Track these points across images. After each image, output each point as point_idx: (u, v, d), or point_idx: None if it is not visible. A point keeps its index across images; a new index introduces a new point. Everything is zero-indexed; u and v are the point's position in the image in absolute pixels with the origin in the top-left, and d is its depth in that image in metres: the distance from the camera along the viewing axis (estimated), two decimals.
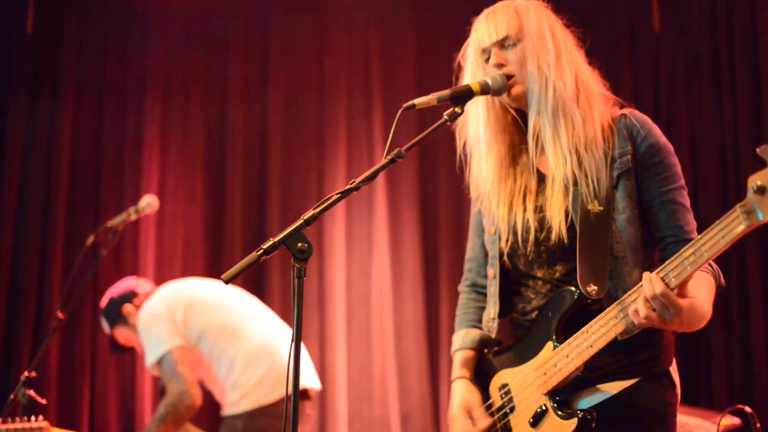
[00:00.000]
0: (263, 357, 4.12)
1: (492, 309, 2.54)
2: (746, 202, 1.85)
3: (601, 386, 2.29)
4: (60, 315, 3.85)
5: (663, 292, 2.02)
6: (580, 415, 2.24)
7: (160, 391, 4.27)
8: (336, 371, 5.66)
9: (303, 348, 4.44)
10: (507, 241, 2.45)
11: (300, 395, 4.10)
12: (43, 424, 3.71)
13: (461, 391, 2.55)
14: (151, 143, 5.91)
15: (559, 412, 2.28)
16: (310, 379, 4.30)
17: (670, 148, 2.38)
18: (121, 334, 4.44)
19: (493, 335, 2.54)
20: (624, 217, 2.32)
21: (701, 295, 2.18)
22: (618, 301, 2.17)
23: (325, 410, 5.59)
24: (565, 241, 2.34)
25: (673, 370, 2.37)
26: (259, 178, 5.98)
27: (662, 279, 2.03)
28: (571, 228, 2.33)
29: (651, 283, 2.04)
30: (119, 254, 5.71)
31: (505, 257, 2.48)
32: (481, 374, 2.56)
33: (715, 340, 5.52)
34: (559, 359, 2.28)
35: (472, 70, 2.47)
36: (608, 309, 2.19)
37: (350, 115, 6.04)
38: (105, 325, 4.47)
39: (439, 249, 5.92)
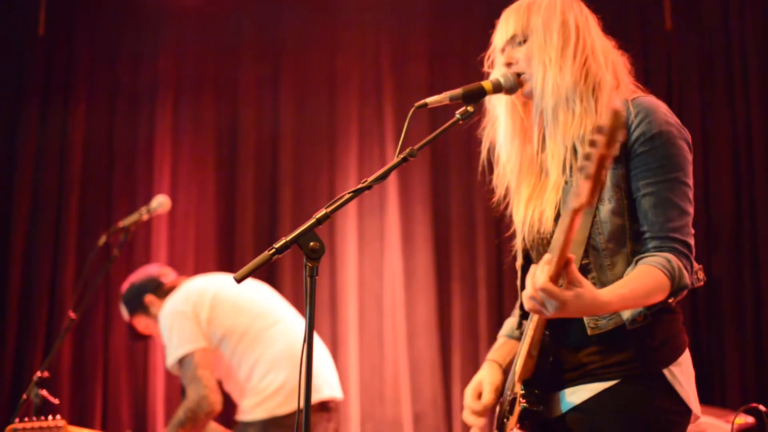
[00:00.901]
0: (284, 364, 4.04)
1: (519, 300, 2.56)
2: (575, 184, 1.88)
3: (576, 388, 2.26)
4: (72, 315, 3.85)
5: (543, 286, 1.97)
6: (523, 406, 2.26)
7: (180, 391, 4.25)
8: (348, 371, 5.65)
9: (326, 354, 4.40)
10: (523, 235, 2.44)
11: (320, 407, 4.11)
12: (61, 423, 3.70)
13: (482, 370, 2.59)
14: (162, 144, 5.93)
15: (522, 401, 2.29)
16: (331, 389, 4.23)
17: (671, 137, 2.23)
18: (141, 323, 4.38)
19: (517, 325, 2.57)
20: (609, 207, 2.25)
21: (622, 284, 2.12)
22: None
23: (337, 410, 5.59)
24: (551, 232, 2.31)
25: (671, 372, 2.24)
26: (271, 178, 5.99)
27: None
28: (556, 221, 2.30)
29: (536, 276, 1.99)
30: (131, 254, 5.72)
31: (521, 252, 2.48)
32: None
33: (729, 338, 5.51)
34: (522, 347, 2.31)
35: (497, 72, 2.45)
36: None
37: (361, 114, 6.04)
38: (124, 312, 4.41)
39: (452, 248, 5.91)
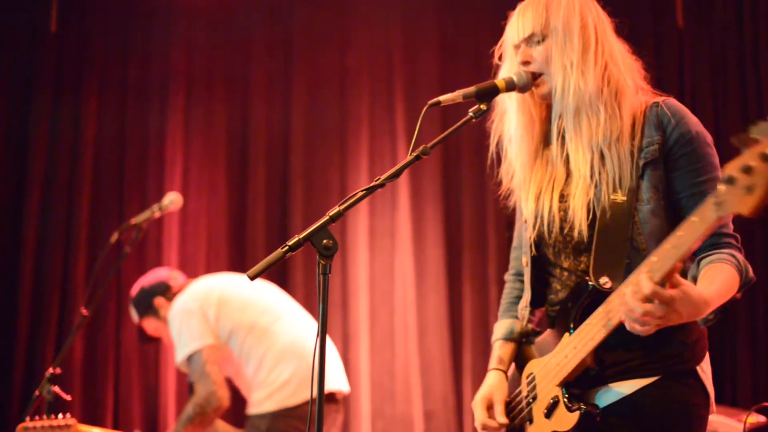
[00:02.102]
0: (292, 357, 4.09)
1: (525, 297, 2.54)
2: (717, 193, 1.80)
3: (617, 384, 2.26)
4: (84, 312, 3.88)
5: (653, 290, 1.96)
6: (583, 410, 2.23)
7: (189, 388, 4.27)
8: (359, 369, 5.66)
9: (333, 349, 4.45)
10: (535, 229, 2.43)
11: (327, 398, 4.13)
12: (71, 421, 3.73)
13: (490, 382, 2.56)
14: (174, 140, 5.93)
15: (567, 404, 2.27)
16: (338, 382, 4.26)
17: (706, 138, 2.29)
18: (151, 325, 4.42)
19: (524, 323, 2.54)
20: (648, 208, 2.26)
21: (708, 284, 2.14)
22: (615, 292, 2.14)
23: (348, 408, 5.59)
24: (585, 234, 2.30)
25: (702, 370, 2.30)
26: (282, 175, 5.99)
27: (650, 277, 1.98)
28: (592, 222, 2.30)
29: (640, 284, 1.99)
30: (143, 251, 5.73)
31: (533, 246, 2.46)
32: (519, 364, 2.57)
33: (740, 338, 5.49)
34: (569, 351, 2.27)
35: (507, 66, 2.45)
36: (607, 300, 2.16)
37: (372, 111, 6.04)
38: (134, 315, 4.46)
39: (463, 245, 5.91)
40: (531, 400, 2.42)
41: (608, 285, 2.23)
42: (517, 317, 2.64)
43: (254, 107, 6.04)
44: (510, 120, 2.51)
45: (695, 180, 2.25)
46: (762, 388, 5.37)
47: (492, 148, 2.59)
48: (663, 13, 5.96)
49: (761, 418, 3.96)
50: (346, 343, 5.71)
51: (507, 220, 2.55)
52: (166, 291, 4.36)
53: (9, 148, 5.85)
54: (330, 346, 4.43)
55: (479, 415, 2.52)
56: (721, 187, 1.79)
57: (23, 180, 5.81)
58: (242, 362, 4.17)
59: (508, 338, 2.63)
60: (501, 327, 2.67)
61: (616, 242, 2.26)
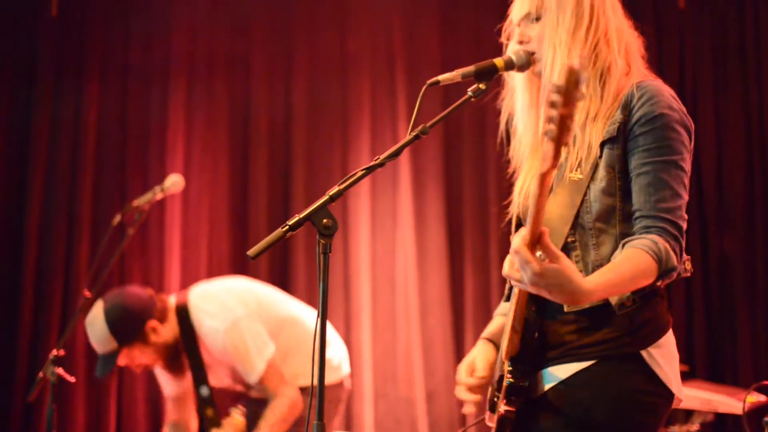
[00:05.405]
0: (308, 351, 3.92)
1: None
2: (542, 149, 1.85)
3: (556, 368, 2.24)
4: (87, 294, 3.87)
5: (519, 248, 1.94)
6: (509, 381, 2.23)
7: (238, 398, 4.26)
8: (361, 350, 5.68)
9: (338, 338, 4.46)
10: (517, 207, 2.44)
11: (338, 385, 4.13)
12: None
13: (477, 348, 2.56)
14: (175, 124, 5.93)
15: (508, 377, 2.25)
16: (346, 367, 4.30)
17: (672, 120, 2.20)
18: (132, 354, 3.96)
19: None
20: (600, 186, 2.22)
21: (604, 270, 2.09)
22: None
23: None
24: None
25: (649, 354, 2.20)
26: (284, 157, 6.00)
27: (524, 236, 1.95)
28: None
29: (516, 239, 1.96)
30: (145, 233, 5.74)
31: (514, 221, 2.47)
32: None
33: (740, 316, 5.51)
34: (507, 322, 2.27)
35: (512, 45, 2.43)
36: None
37: (374, 93, 6.04)
38: (108, 343, 3.90)
39: (464, 226, 5.92)
40: (503, 373, 2.42)
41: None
42: None
43: (256, 89, 6.04)
44: (518, 99, 2.50)
45: (646, 159, 2.18)
46: (762, 367, 5.40)
47: (502, 126, 2.58)
48: None
49: (761, 397, 3.98)
50: (348, 324, 5.73)
51: (509, 200, 2.56)
52: (155, 311, 3.97)
53: (11, 133, 5.86)
54: (335, 336, 4.42)
55: (460, 377, 2.50)
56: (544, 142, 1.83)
57: (26, 164, 5.82)
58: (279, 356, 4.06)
59: (503, 313, 2.63)
60: (502, 304, 2.68)
61: (562, 219, 2.24)
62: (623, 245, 2.15)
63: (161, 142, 5.91)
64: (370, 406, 5.63)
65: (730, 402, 3.98)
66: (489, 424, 2.46)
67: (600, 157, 2.24)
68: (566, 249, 2.21)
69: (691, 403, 4.00)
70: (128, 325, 3.89)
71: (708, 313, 5.53)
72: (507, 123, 2.57)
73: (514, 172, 2.57)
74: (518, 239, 1.95)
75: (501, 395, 2.29)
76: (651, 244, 2.10)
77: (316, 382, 2.01)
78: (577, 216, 2.24)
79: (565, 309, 2.21)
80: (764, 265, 5.51)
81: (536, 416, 2.27)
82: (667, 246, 2.12)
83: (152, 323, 3.93)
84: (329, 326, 4.12)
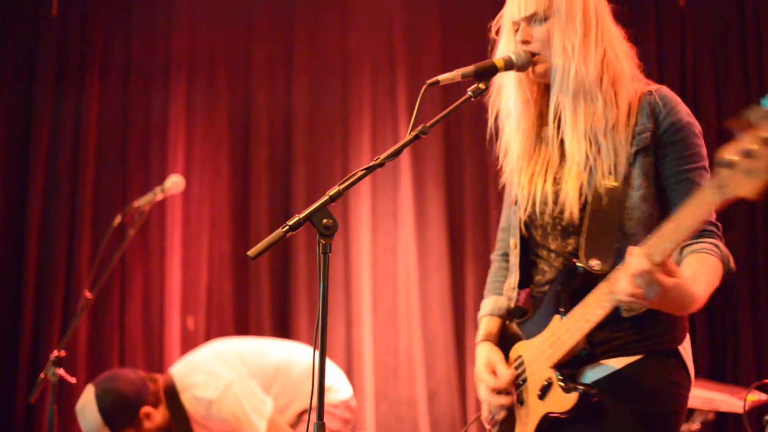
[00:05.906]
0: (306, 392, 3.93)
1: (512, 278, 2.56)
2: (719, 177, 1.83)
3: (605, 361, 2.30)
4: (88, 295, 3.87)
5: (648, 269, 1.99)
6: (581, 390, 2.25)
7: None
8: (362, 349, 5.68)
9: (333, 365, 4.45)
10: (525, 210, 2.45)
11: (344, 405, 4.13)
12: None
13: (485, 351, 2.57)
14: (176, 123, 5.94)
15: (562, 385, 2.29)
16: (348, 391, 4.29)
17: (695, 128, 2.34)
18: None
19: (512, 304, 2.56)
20: (639, 194, 2.30)
21: (696, 278, 2.17)
22: (607, 277, 2.17)
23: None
24: (576, 217, 2.33)
25: (683, 349, 2.35)
26: (285, 157, 5.99)
27: (647, 254, 2.00)
28: (583, 206, 2.33)
29: (636, 259, 2.01)
30: (146, 234, 5.74)
31: (523, 227, 2.48)
32: (503, 344, 2.58)
33: (742, 315, 5.50)
34: (563, 333, 2.29)
35: (504, 41, 2.46)
36: (600, 284, 2.19)
37: (374, 93, 6.03)
38: (99, 428, 3.78)
39: (465, 225, 5.91)
40: (521, 383, 2.44)
41: (598, 267, 2.26)
42: (504, 295, 2.66)
43: (256, 89, 6.03)
44: (507, 96, 2.53)
45: (682, 167, 2.30)
46: (763, 365, 5.39)
47: (490, 123, 2.62)
48: None
49: (762, 396, 3.98)
50: (349, 324, 5.73)
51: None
52: (149, 395, 3.86)
53: (12, 132, 5.86)
54: (331, 365, 4.35)
55: (489, 380, 2.50)
56: (723, 171, 1.82)
57: (27, 163, 5.82)
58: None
59: (496, 314, 2.65)
60: (488, 303, 2.70)
61: (607, 226, 2.30)
62: (682, 249, 2.26)
63: (162, 142, 5.91)
64: (372, 405, 5.63)
65: (731, 401, 3.97)
66: (488, 426, 2.48)
67: (633, 165, 2.31)
68: (616, 255, 2.27)
69: (692, 401, 3.96)
70: (122, 413, 3.79)
71: (710, 311, 5.52)
72: (495, 120, 2.61)
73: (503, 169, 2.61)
74: (642, 260, 2.00)
75: (555, 403, 2.31)
76: (714, 247, 2.25)
77: (316, 382, 2.00)
78: (620, 224, 2.31)
79: (624, 315, 2.27)
80: (765, 264, 5.50)
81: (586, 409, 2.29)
82: (725, 248, 2.27)
83: (146, 409, 3.82)
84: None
